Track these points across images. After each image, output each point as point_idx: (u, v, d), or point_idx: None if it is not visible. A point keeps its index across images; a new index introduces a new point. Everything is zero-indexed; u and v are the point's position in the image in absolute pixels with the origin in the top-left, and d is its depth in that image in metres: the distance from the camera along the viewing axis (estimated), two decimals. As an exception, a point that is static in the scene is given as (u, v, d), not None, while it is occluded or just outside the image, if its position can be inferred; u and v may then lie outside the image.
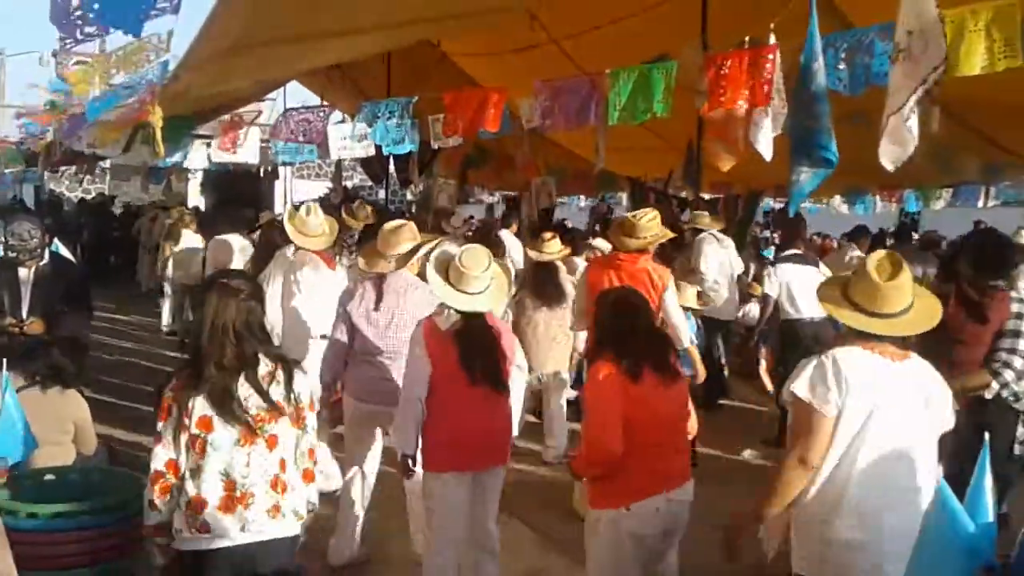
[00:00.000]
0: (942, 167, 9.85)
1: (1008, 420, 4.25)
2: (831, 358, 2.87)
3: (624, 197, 14.34)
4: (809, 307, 6.78)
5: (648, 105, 5.47)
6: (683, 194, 8.40)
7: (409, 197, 17.02)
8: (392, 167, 12.58)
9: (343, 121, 8.16)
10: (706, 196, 8.07)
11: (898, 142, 3.74)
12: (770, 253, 11.76)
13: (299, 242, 5.54)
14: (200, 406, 2.76)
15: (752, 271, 9.17)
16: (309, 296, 5.45)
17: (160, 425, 2.81)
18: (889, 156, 3.84)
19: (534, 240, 7.21)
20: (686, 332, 5.82)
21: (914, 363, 2.95)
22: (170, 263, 10.90)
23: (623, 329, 3.49)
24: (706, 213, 8.04)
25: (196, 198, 18.99)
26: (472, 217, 15.01)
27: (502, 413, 3.96)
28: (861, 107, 4.93)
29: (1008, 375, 4.13)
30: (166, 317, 11.67)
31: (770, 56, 4.80)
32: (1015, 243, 5.47)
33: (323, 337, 5.06)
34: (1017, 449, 4.24)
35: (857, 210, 16.32)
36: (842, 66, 4.55)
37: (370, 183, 17.63)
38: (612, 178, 12.80)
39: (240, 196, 15.77)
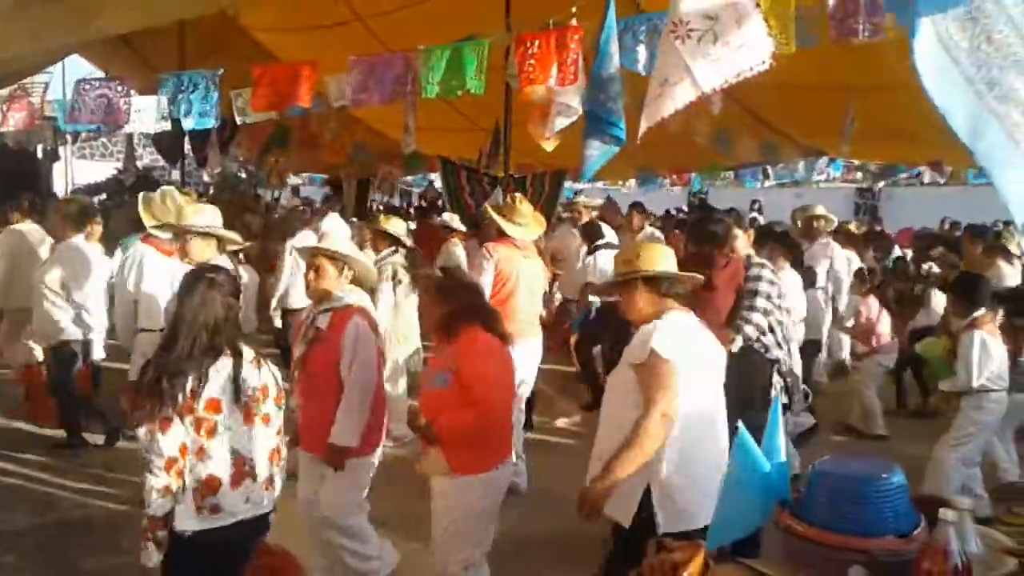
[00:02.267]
0: (725, 149, 10.61)
1: (762, 370, 4.64)
2: (667, 320, 3.13)
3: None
4: None
5: (461, 82, 5.54)
6: (493, 172, 8.56)
7: (206, 178, 16.17)
8: (188, 146, 11.94)
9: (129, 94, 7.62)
10: (515, 175, 8.26)
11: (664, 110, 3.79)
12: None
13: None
14: (208, 390, 2.93)
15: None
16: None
17: (163, 411, 2.88)
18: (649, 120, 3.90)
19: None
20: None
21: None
22: None
23: (477, 302, 3.74)
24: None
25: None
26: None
27: None
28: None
29: (748, 330, 4.59)
30: None
31: (575, 36, 5.00)
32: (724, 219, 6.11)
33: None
34: (773, 395, 4.59)
35: (651, 191, 17.26)
36: (640, 48, 4.81)
37: (162, 163, 16.60)
38: (421, 158, 12.79)
39: (20, 177, 14.28)
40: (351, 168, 13.91)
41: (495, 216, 5.80)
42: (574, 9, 5.24)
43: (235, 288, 3.15)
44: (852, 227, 11.46)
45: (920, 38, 2.65)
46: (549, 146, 5.33)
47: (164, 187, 5.76)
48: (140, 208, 5.46)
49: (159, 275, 5.01)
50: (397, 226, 6.75)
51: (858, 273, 7.97)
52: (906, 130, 8.52)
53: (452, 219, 8.11)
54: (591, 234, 8.29)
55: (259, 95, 6.42)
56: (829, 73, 7.44)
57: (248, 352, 3.07)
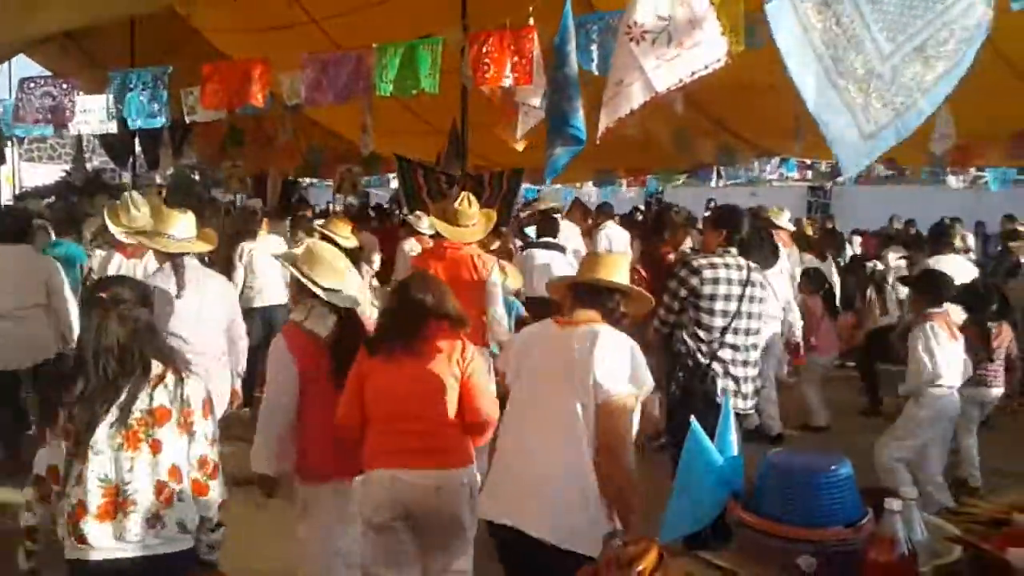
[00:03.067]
0: (683, 150, 10.71)
1: (672, 362, 4.68)
2: (524, 330, 3.41)
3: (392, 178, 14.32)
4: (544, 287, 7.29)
5: (415, 81, 5.52)
6: (450, 171, 8.55)
7: (158, 180, 15.86)
8: (139, 147, 11.74)
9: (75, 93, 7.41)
10: (472, 173, 8.25)
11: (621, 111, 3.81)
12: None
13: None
14: (82, 411, 2.68)
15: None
16: None
17: (49, 430, 2.76)
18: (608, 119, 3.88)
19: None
20: (502, 322, 5.69)
21: (585, 331, 3.10)
22: None
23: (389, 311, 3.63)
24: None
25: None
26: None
27: None
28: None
29: (655, 323, 4.72)
30: None
31: (529, 36, 5.00)
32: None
33: None
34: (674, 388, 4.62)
35: (605, 193, 17.38)
36: (594, 47, 4.83)
37: (112, 165, 16.26)
38: (379, 160, 12.71)
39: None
40: (306, 169, 13.75)
41: (435, 219, 5.70)
42: (531, 9, 5.25)
43: (140, 296, 2.83)
44: (808, 228, 11.57)
45: (781, 20, 3.08)
46: (520, 147, 5.34)
47: (125, 193, 5.57)
48: (107, 218, 5.32)
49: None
50: (339, 228, 6.59)
51: (805, 272, 8.03)
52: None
53: (418, 219, 7.94)
54: (542, 229, 8.29)
55: (209, 92, 6.30)
56: (780, 73, 7.52)
57: (156, 368, 2.77)
